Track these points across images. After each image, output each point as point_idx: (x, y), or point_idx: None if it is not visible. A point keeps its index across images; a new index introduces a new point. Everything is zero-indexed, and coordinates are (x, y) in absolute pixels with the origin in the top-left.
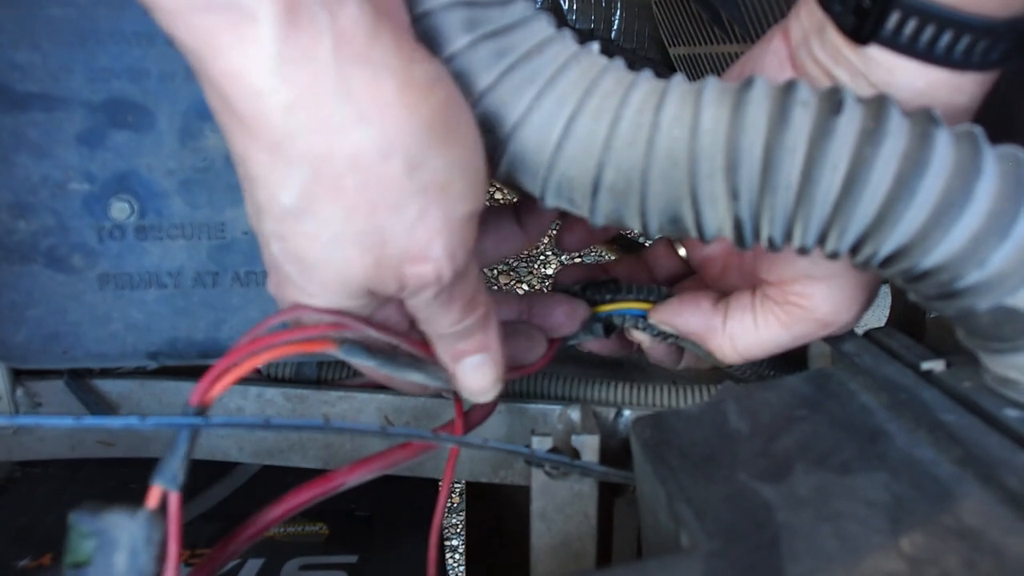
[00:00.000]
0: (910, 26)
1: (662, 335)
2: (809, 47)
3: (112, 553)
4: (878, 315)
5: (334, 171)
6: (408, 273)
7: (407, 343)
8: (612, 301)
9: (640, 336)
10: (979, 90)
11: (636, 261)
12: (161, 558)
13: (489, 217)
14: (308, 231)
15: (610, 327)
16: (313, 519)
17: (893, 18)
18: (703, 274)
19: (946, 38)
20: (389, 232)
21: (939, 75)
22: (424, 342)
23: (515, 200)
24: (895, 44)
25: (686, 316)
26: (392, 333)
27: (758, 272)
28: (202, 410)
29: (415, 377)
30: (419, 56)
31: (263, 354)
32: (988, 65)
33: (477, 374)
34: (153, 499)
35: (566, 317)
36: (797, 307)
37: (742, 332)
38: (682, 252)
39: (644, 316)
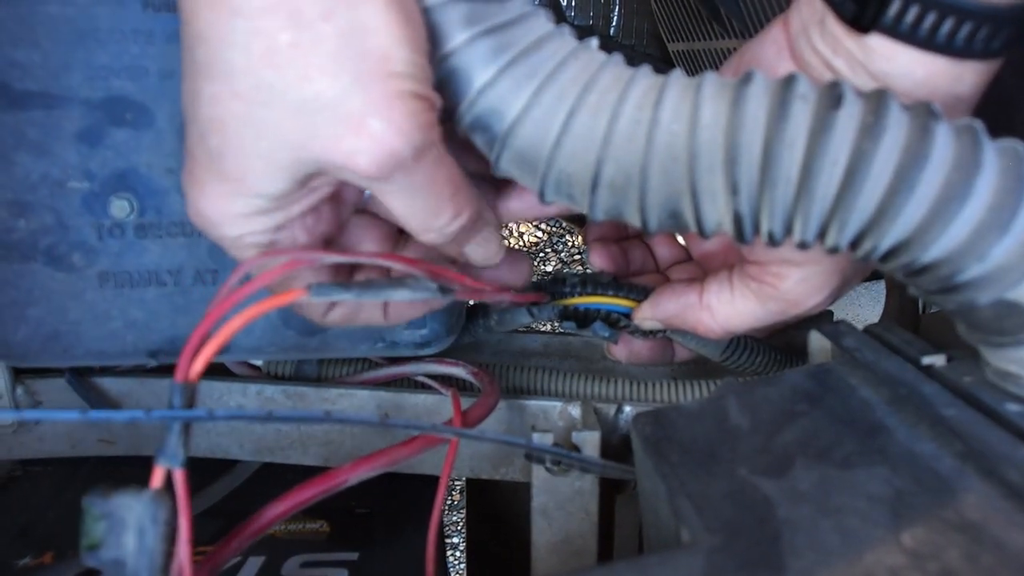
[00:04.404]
0: (911, 14)
1: (651, 332)
2: (808, 37)
3: (121, 533)
4: (877, 311)
5: (271, 26)
6: (349, 149)
7: (380, 258)
8: (596, 295)
9: (633, 343)
10: (980, 80)
11: (643, 247)
12: (170, 536)
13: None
14: (240, 91)
15: (612, 324)
16: (314, 516)
17: (894, 6)
18: (704, 264)
19: (948, 25)
20: (322, 97)
21: (940, 64)
22: (393, 253)
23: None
24: (896, 32)
25: (663, 303)
26: (362, 254)
27: (740, 251)
28: (189, 387)
29: (400, 295)
30: None
31: (236, 320)
32: (990, 54)
33: (481, 248)
34: (157, 479)
35: (507, 271)
36: (771, 287)
37: (719, 303)
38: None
39: (628, 315)
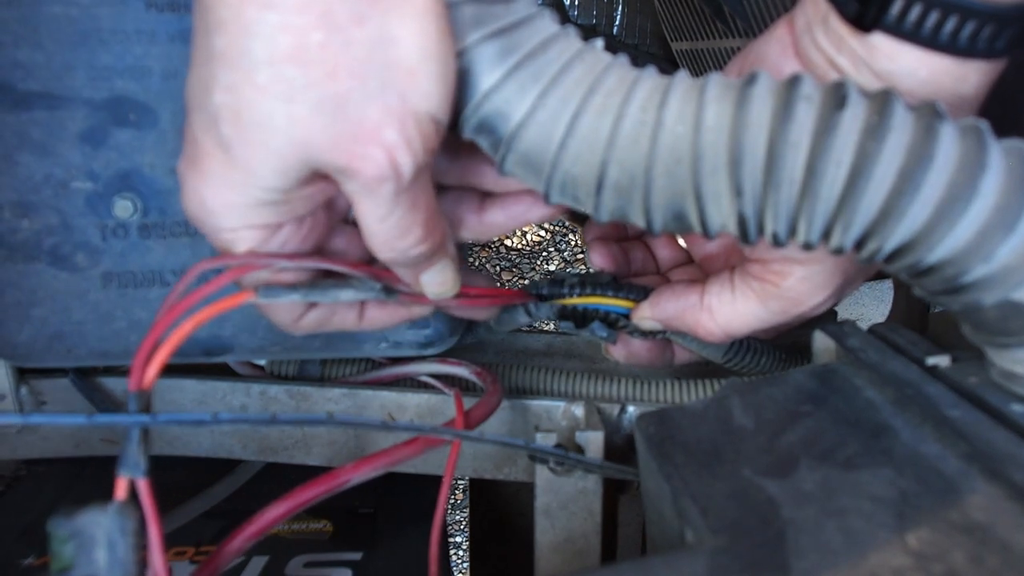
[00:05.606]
0: (914, 12)
1: (651, 333)
2: (812, 35)
3: (92, 550)
4: (881, 310)
5: (303, 23)
6: (357, 153)
7: (324, 261)
8: (594, 295)
9: (631, 343)
10: (984, 80)
11: (644, 248)
12: (141, 545)
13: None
14: (260, 82)
15: (611, 325)
16: (317, 516)
17: (897, 5)
18: (705, 267)
19: (951, 24)
20: (344, 99)
21: (943, 63)
22: (341, 257)
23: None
24: (899, 31)
25: (663, 303)
26: (307, 257)
27: (742, 250)
28: (144, 395)
29: (345, 296)
30: None
31: (187, 324)
32: (994, 53)
33: (438, 276)
34: (120, 490)
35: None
36: (772, 285)
37: (720, 304)
38: (683, 241)
39: (627, 315)
